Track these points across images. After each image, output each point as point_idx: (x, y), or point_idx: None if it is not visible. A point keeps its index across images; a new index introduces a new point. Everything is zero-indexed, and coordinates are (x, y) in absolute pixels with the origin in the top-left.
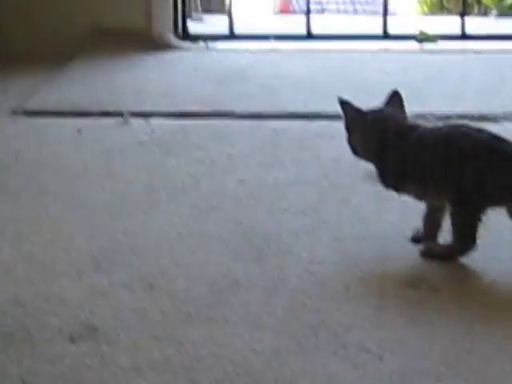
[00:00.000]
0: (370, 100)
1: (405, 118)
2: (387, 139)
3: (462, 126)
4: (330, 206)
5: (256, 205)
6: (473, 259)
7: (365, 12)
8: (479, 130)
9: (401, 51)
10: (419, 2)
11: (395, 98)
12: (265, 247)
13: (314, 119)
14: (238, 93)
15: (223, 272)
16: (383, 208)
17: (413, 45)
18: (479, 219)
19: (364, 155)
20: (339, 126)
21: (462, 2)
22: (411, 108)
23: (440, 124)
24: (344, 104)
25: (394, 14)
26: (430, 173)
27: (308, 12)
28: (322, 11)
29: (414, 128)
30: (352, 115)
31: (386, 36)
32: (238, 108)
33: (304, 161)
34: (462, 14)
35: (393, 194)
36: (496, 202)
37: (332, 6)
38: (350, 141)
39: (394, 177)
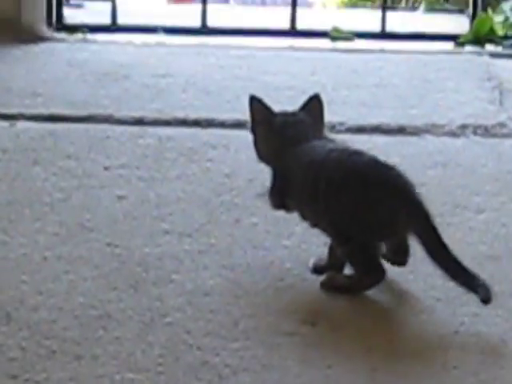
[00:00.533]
0: (273, 105)
1: (313, 127)
2: (282, 148)
3: (355, 152)
4: (219, 229)
5: (135, 225)
6: (379, 292)
7: (274, 3)
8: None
9: (310, 49)
10: None
11: (314, 103)
12: (142, 274)
13: (205, 127)
14: (118, 94)
15: (93, 302)
16: (281, 232)
17: (325, 43)
18: (372, 250)
19: (264, 160)
20: (234, 136)
21: None
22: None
23: (342, 142)
24: (254, 101)
25: (309, 6)
26: (303, 198)
27: (204, 1)
28: (226, 0)
29: (309, 140)
30: (260, 114)
31: (293, 32)
32: (118, 112)
33: (192, 175)
34: (383, 8)
35: (293, 215)
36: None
37: None
38: (255, 143)
39: (277, 193)
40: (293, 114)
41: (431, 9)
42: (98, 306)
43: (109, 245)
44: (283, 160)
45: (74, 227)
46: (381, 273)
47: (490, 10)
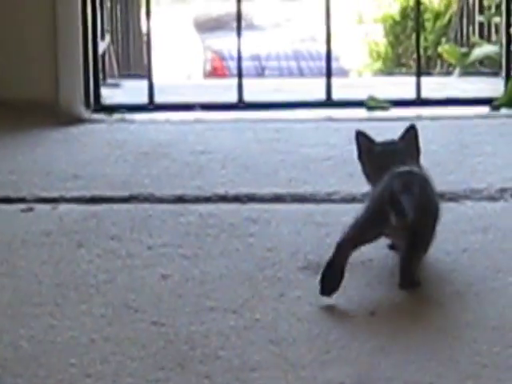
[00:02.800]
0: (312, 179)
1: (409, 154)
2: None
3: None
4: (264, 303)
5: (180, 303)
6: (426, 360)
7: (310, 70)
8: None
9: (347, 119)
10: (373, 58)
11: (410, 133)
12: (189, 352)
13: (246, 202)
14: (159, 172)
15: (141, 383)
16: (325, 304)
17: (361, 112)
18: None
19: (372, 183)
20: (275, 210)
21: (417, 59)
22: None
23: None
24: (360, 135)
25: (344, 75)
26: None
27: (240, 76)
28: (262, 70)
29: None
30: (365, 145)
31: (329, 102)
32: (159, 191)
33: (235, 251)
34: (418, 75)
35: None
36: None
37: (273, 63)
38: (363, 170)
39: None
40: (392, 143)
41: (466, 72)
42: None
43: (155, 324)
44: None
45: (119, 308)
46: None
47: None
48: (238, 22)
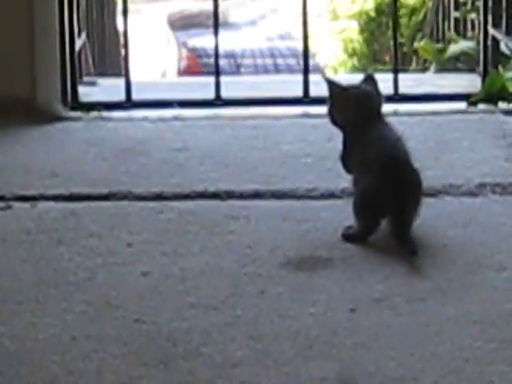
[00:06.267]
0: (290, 175)
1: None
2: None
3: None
4: (245, 300)
5: (161, 300)
6: (408, 355)
7: (287, 66)
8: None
9: (324, 116)
10: (349, 55)
11: (369, 82)
12: (171, 349)
13: (225, 199)
14: (137, 170)
15: (124, 380)
16: (307, 300)
17: None
18: None
19: (337, 126)
20: (254, 206)
21: (395, 55)
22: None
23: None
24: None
25: (320, 71)
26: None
27: (217, 73)
28: (237, 67)
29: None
30: (335, 90)
31: (306, 99)
32: (137, 188)
33: (215, 248)
34: (395, 71)
35: (317, 283)
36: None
37: (248, 60)
38: (330, 111)
39: (347, 157)
40: (364, 89)
41: (442, 69)
42: None
43: (136, 321)
44: (358, 130)
45: (100, 305)
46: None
47: (500, 68)
48: (215, 19)
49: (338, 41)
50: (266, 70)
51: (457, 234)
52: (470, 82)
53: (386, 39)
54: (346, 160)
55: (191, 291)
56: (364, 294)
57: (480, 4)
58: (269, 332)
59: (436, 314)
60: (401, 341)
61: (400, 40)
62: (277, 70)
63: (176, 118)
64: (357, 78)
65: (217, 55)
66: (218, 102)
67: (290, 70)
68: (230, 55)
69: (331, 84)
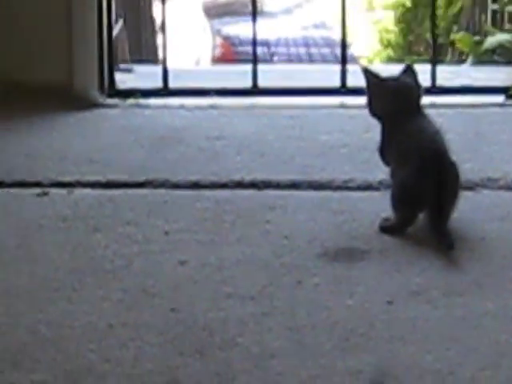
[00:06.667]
0: (327, 166)
1: (418, 93)
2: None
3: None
4: (282, 290)
5: (197, 290)
6: (445, 350)
7: (321, 56)
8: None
9: (362, 107)
10: (384, 46)
11: (409, 73)
12: (208, 339)
13: (262, 189)
14: (174, 158)
15: (161, 369)
16: (344, 291)
17: None
18: None
19: (377, 117)
20: (291, 196)
21: (433, 47)
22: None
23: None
24: (366, 71)
25: (355, 60)
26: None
27: (255, 61)
28: (271, 55)
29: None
30: (373, 80)
31: (343, 89)
32: (174, 176)
33: (252, 237)
34: (433, 63)
35: (354, 274)
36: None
37: (282, 49)
38: (369, 102)
39: (386, 149)
40: (403, 80)
41: (479, 61)
42: (165, 372)
43: (173, 310)
44: (397, 122)
45: (137, 293)
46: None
47: None
48: (254, 7)
49: (373, 31)
50: (299, 59)
51: (494, 227)
52: (507, 75)
53: (422, 30)
54: (385, 152)
55: (228, 281)
56: (401, 286)
57: None
58: (306, 323)
59: (473, 308)
60: (438, 334)
61: (436, 31)
62: (311, 59)
63: (212, 107)
64: (391, 69)
65: (255, 43)
66: (255, 90)
67: (324, 59)
68: (265, 43)
69: (369, 74)
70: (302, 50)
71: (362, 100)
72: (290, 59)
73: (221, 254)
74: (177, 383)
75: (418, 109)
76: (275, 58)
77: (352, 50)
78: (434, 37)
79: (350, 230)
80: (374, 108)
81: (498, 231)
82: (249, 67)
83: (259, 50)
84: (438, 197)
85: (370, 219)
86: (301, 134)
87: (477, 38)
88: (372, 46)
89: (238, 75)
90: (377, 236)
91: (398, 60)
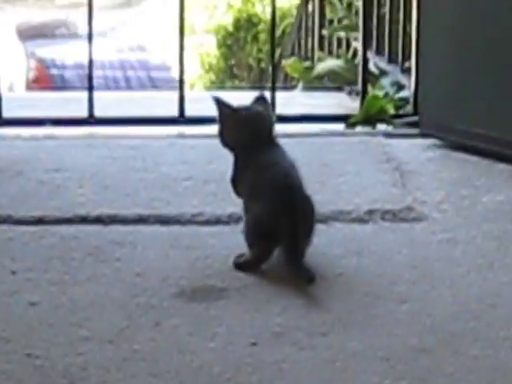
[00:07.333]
0: (174, 199)
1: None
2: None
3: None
4: (141, 333)
5: (52, 333)
6: None
7: (138, 80)
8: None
9: (201, 136)
10: (205, 70)
11: (260, 102)
12: None
13: (108, 224)
14: (14, 192)
15: None
16: (205, 333)
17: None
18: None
19: (229, 148)
20: (139, 232)
21: (272, 75)
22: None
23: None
24: (217, 101)
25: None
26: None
27: (90, 88)
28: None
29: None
30: (225, 111)
31: (182, 119)
32: (17, 212)
33: (103, 276)
34: (273, 89)
35: (213, 314)
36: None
37: (98, 72)
38: (221, 133)
39: (238, 181)
40: (256, 109)
41: (309, 87)
42: None
43: (29, 356)
44: (250, 153)
45: None
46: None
47: (370, 87)
48: (89, 27)
49: (194, 55)
50: (116, 82)
51: (351, 263)
52: (339, 101)
53: (244, 54)
54: (237, 183)
55: (83, 323)
56: (263, 327)
57: (360, 24)
58: (170, 368)
59: (340, 348)
60: (309, 378)
61: (258, 56)
62: (128, 82)
63: (49, 137)
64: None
65: (90, 69)
66: (91, 120)
67: (141, 82)
68: (80, 66)
69: (221, 104)
70: (119, 73)
71: (201, 129)
72: (106, 82)
73: (73, 294)
74: None
75: (270, 139)
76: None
77: (173, 73)
78: (274, 64)
79: (204, 268)
80: (225, 138)
81: (356, 267)
82: (81, 94)
83: (75, 72)
84: (292, 232)
85: (222, 255)
86: (143, 165)
87: (307, 63)
88: (194, 70)
89: (69, 102)
90: (232, 273)
91: (220, 85)
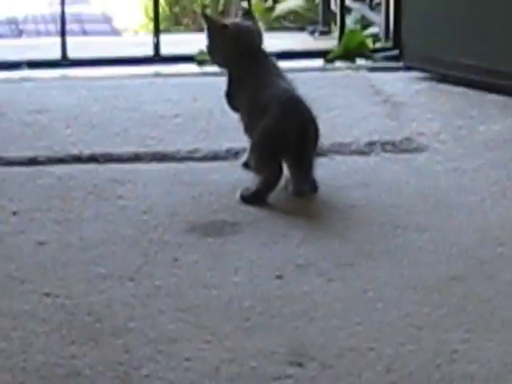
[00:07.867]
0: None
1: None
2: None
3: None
4: (160, 269)
5: (67, 271)
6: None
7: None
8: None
9: (178, 75)
10: (149, 18)
11: (247, 17)
12: (96, 325)
13: (103, 163)
14: (1, 134)
15: (56, 360)
16: (227, 268)
17: (190, 67)
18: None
19: (220, 65)
20: (137, 170)
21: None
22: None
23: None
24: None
25: (118, 34)
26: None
27: (63, 33)
28: (20, 33)
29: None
30: (214, 26)
31: (157, 58)
32: (7, 153)
33: (109, 214)
34: None
35: (231, 249)
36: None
37: (30, 26)
38: (210, 49)
39: (233, 95)
40: (245, 24)
41: (269, 28)
42: (62, 364)
43: (47, 295)
44: (243, 66)
45: (3, 279)
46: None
47: (332, 25)
48: None
49: (137, 4)
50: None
51: (362, 194)
52: (303, 41)
53: (189, 2)
54: (232, 97)
55: (98, 261)
56: (286, 259)
57: None
58: (197, 303)
59: (370, 278)
60: (343, 309)
61: (204, 1)
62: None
63: (25, 79)
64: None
65: (63, 11)
66: (65, 62)
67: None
68: (13, 21)
69: (209, 20)
70: (52, 27)
71: (177, 68)
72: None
73: (81, 232)
74: (78, 375)
75: (261, 52)
76: (23, 36)
77: (115, 24)
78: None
79: (211, 203)
80: (216, 55)
81: (368, 198)
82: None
83: (7, 27)
84: (301, 142)
85: (226, 190)
86: (127, 104)
87: (268, 4)
88: (137, 18)
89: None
90: (241, 207)
91: (166, 31)
